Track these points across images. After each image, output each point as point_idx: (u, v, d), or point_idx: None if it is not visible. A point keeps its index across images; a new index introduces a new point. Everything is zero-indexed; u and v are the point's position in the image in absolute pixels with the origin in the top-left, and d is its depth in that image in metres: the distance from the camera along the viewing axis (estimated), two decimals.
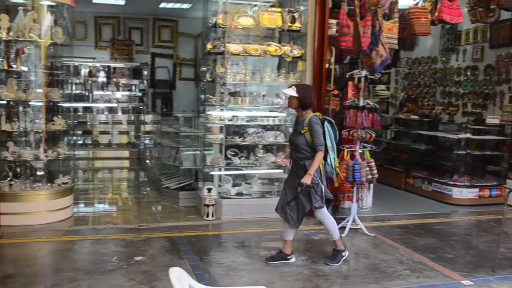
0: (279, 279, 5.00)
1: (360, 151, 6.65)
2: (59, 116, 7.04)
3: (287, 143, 7.50)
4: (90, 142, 12.95)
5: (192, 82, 14.30)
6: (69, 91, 11.95)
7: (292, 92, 5.26)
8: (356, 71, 6.84)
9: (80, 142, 12.79)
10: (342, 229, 6.58)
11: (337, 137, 5.48)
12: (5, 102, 6.83)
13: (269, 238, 6.30)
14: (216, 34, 7.46)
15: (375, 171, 6.62)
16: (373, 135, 6.65)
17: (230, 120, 7.35)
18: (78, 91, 12.81)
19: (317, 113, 5.38)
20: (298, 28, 7.38)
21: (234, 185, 7.42)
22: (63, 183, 6.96)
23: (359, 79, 6.74)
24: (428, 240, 6.48)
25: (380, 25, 6.33)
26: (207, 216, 7.02)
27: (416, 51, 11.83)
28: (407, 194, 9.52)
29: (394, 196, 9.31)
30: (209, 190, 7.05)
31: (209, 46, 7.21)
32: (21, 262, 5.33)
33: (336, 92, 7.35)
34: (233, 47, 7.11)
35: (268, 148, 7.66)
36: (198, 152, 8.61)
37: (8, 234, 6.20)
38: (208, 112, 7.46)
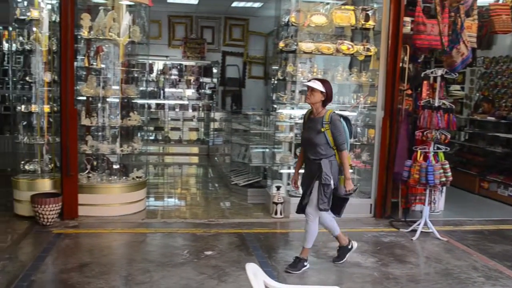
0: (348, 280, 4.94)
1: (434, 153, 6.45)
2: (134, 112, 7.28)
3: (357, 143, 7.43)
4: (161, 138, 13.30)
5: (261, 80, 14.38)
6: (143, 88, 12.31)
7: (318, 86, 4.91)
8: (432, 70, 6.64)
9: (152, 138, 13.16)
10: (413, 232, 6.43)
11: (352, 134, 5.45)
12: (85, 98, 7.14)
13: None
14: (288, 33, 7.46)
15: (450, 174, 6.40)
16: (448, 136, 6.43)
17: (300, 118, 7.32)
18: (151, 88, 13.19)
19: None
20: (371, 26, 7.25)
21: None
22: (137, 177, 7.20)
23: (435, 78, 6.54)
24: (505, 247, 6.19)
25: (462, 22, 6.11)
26: (275, 214, 7.04)
27: (494, 49, 11.27)
28: (481, 199, 9.13)
29: (467, 200, 8.95)
30: (278, 188, 7.06)
31: (281, 44, 7.23)
32: (97, 251, 5.55)
33: (409, 91, 7.16)
34: (306, 46, 7.08)
35: None
36: (267, 150, 8.64)
37: (85, 224, 6.49)
38: (279, 110, 7.48)
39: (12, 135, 7.42)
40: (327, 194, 4.92)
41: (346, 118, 5.13)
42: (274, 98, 7.91)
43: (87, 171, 7.03)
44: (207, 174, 11.10)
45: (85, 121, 6.95)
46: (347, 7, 7.26)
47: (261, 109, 12.62)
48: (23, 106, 6.89)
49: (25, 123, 7.00)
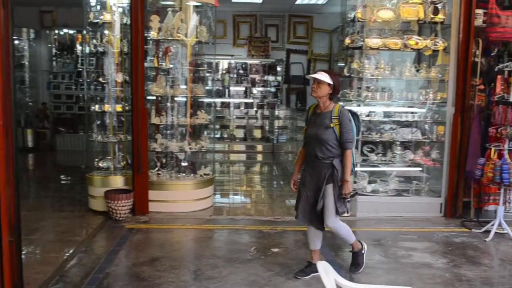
0: (418, 281, 4.83)
1: (509, 150, 6.18)
2: (202, 110, 7.43)
3: (426, 140, 7.24)
4: (226, 136, 13.48)
5: None
6: (209, 87, 12.54)
7: (326, 78, 4.56)
8: (507, 64, 6.36)
9: (218, 136, 13.36)
10: (486, 233, 6.19)
11: (360, 131, 5.13)
12: (154, 97, 7.35)
13: (406, 238, 6.10)
14: (354, 29, 7.37)
15: None
16: None
17: (367, 115, 7.23)
18: (216, 87, 13.39)
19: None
20: (441, 20, 7.03)
21: (369, 182, 7.29)
22: (204, 174, 7.34)
23: (509, 72, 6.26)
24: None
25: None
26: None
27: None
28: None
29: None
30: None
31: (347, 40, 7.15)
32: (167, 246, 5.71)
33: (482, 87, 6.89)
34: (372, 41, 6.97)
35: (405, 145, 7.43)
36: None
37: (155, 220, 6.69)
38: (345, 108, 7.38)
39: (86, 134, 7.75)
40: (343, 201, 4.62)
41: (354, 114, 4.80)
42: (339, 95, 7.82)
43: (157, 169, 7.24)
44: (272, 172, 11.16)
45: (155, 120, 7.17)
46: (415, 0, 7.07)
47: None
48: (96, 106, 7.19)
49: (98, 122, 7.30)
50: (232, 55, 13.62)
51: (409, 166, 7.33)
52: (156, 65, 7.25)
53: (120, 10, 7.00)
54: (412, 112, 7.32)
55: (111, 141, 7.23)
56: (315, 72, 4.71)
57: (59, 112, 13.22)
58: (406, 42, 7.01)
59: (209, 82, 12.74)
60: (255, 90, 13.60)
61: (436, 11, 6.98)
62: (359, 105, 7.25)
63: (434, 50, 7.14)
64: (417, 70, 7.21)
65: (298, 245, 5.77)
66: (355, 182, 7.22)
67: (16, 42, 12.43)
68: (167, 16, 7.03)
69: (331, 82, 4.58)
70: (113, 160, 7.21)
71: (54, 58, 13.25)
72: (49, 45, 13.22)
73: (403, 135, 7.27)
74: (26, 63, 12.81)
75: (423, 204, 7.11)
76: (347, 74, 7.43)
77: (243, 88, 13.57)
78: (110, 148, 7.26)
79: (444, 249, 5.78)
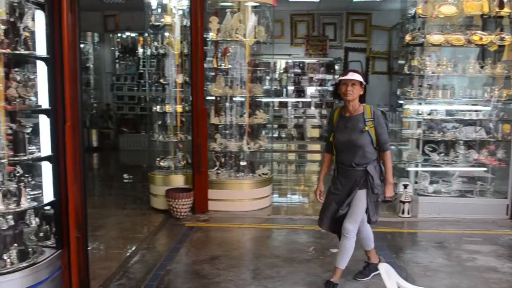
0: (483, 286, 4.66)
1: None
2: (260, 110, 7.47)
3: (491, 139, 6.98)
4: (284, 135, 13.47)
5: (385, 76, 14.00)
6: (267, 87, 12.61)
7: (359, 77, 4.28)
8: None
9: (276, 135, 13.38)
10: None
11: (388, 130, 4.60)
12: (213, 97, 7.46)
13: (470, 241, 5.90)
14: (415, 25, 7.19)
15: None
16: None
17: (429, 114, 7.05)
18: (274, 87, 13.42)
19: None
20: (507, 14, 6.75)
21: (431, 182, 7.10)
22: (263, 174, 7.38)
23: None
24: None
25: None
26: (403, 213, 6.84)
27: None
28: None
29: None
30: (405, 186, 6.86)
31: (407, 37, 6.99)
32: (226, 245, 5.78)
33: None
34: (434, 38, 6.78)
35: (468, 144, 7.19)
36: (393, 147, 8.39)
37: (215, 219, 6.78)
38: (405, 106, 7.25)
39: (147, 134, 7.97)
40: (377, 204, 4.42)
41: (383, 112, 4.47)
42: (399, 93, 7.67)
43: (216, 168, 7.35)
44: (330, 172, 11.05)
45: (214, 120, 7.28)
46: None
47: (385, 105, 12.27)
48: (158, 107, 7.38)
49: (159, 122, 7.49)
50: (289, 55, 13.60)
51: (473, 166, 7.08)
52: (215, 65, 7.35)
53: (180, 12, 7.14)
54: (475, 110, 7.07)
55: (172, 141, 7.39)
56: (344, 74, 4.35)
57: (122, 112, 13.65)
58: (469, 38, 6.77)
59: (267, 82, 12.83)
60: (312, 89, 13.52)
61: (501, 5, 6.71)
62: (420, 104, 7.08)
63: (499, 46, 6.87)
64: (481, 67, 6.96)
65: (356, 246, 5.68)
66: (416, 182, 7.07)
67: (82, 45, 12.91)
68: (225, 17, 7.12)
69: (363, 82, 4.32)
70: (174, 159, 7.37)
71: (117, 61, 13.70)
72: (112, 48, 13.68)
73: (466, 134, 7.03)
74: (91, 65, 13.30)
75: (488, 205, 6.85)
76: (408, 72, 7.27)
77: (301, 88, 13.52)
78: (171, 147, 7.42)
79: (510, 252, 5.56)
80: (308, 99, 13.43)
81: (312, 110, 13.52)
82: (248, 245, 6.00)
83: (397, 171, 7.53)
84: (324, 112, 13.47)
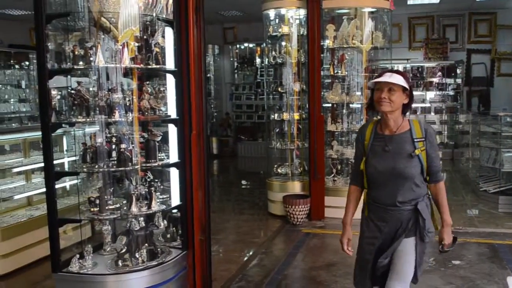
0: None
1: None
2: (378, 116, 7.35)
3: None
4: None
5: None
6: None
7: (401, 81, 3.04)
8: None
9: None
10: None
11: None
12: (330, 104, 7.49)
13: None
14: None
15: None
16: None
17: None
18: None
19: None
20: None
21: None
22: None
23: None
24: None
25: None
26: None
27: None
28: None
29: None
30: None
31: None
32: (342, 252, 5.71)
33: None
34: None
35: None
36: None
37: (331, 225, 6.79)
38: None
39: (264, 141, 8.18)
40: (427, 257, 3.56)
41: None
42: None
43: (332, 175, 7.36)
44: (452, 180, 10.58)
45: (330, 127, 7.31)
46: None
47: None
48: (275, 115, 7.56)
49: (277, 130, 7.66)
50: (407, 59, 13.24)
51: None
52: (331, 73, 7.38)
53: (297, 22, 7.27)
54: None
55: (289, 148, 7.53)
56: (379, 75, 3.14)
57: (240, 121, 14.11)
58: None
59: None
60: (432, 94, 13.03)
61: None
62: None
63: None
64: None
65: (482, 259, 5.42)
66: None
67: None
68: (342, 24, 7.13)
69: (407, 86, 3.08)
70: (291, 166, 7.50)
71: (235, 71, 14.21)
72: (231, 59, 14.20)
73: None
74: (212, 76, 13.92)
75: None
76: None
77: (420, 93, 13.08)
78: (288, 154, 7.56)
79: None
80: (428, 105, 12.96)
81: (432, 116, 13.04)
82: None
83: None
84: (445, 117, 12.92)
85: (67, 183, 5.69)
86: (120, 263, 3.91)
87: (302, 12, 7.14)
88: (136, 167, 3.92)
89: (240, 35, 13.79)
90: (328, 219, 7.00)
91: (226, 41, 14.11)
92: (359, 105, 7.36)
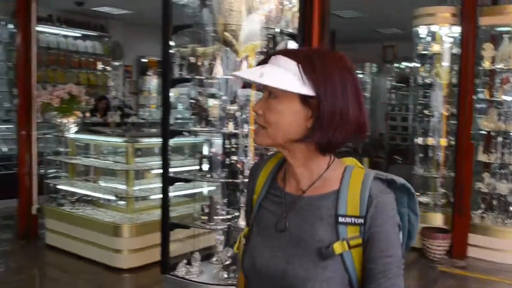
0: None
1: None
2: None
3: None
4: None
5: None
6: None
7: (287, 81, 1.31)
8: None
9: None
10: None
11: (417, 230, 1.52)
12: (484, 132, 6.73)
13: None
14: None
15: None
16: None
17: None
18: None
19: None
20: None
21: None
22: None
23: None
24: None
25: None
26: None
27: None
28: None
29: None
30: None
31: None
32: None
33: None
34: None
35: None
36: None
37: (473, 267, 6.06)
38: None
39: (405, 165, 7.66)
40: None
41: (404, 189, 1.45)
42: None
43: (481, 211, 6.57)
44: None
45: (482, 157, 6.53)
46: None
47: None
48: (420, 139, 7.00)
49: (421, 155, 7.09)
50: None
51: None
52: (488, 97, 6.63)
53: (451, 40, 6.68)
54: None
55: (433, 176, 6.93)
56: (259, 63, 1.43)
57: (394, 143, 13.47)
58: None
59: None
60: None
61: None
62: None
63: None
64: None
65: None
66: None
67: (360, 76, 13.24)
68: (502, 43, 6.37)
69: (310, 92, 1.27)
70: (434, 196, 6.88)
71: (392, 91, 13.63)
72: (389, 78, 13.67)
73: None
74: (368, 95, 13.51)
75: None
76: None
77: None
78: (432, 183, 6.96)
79: None
80: None
81: None
82: None
83: None
84: None
85: (202, 189, 5.74)
86: (225, 274, 3.90)
87: (456, 30, 6.53)
88: (245, 180, 3.87)
89: (400, 53, 13.22)
90: (472, 259, 6.24)
91: (385, 59, 13.63)
92: None
